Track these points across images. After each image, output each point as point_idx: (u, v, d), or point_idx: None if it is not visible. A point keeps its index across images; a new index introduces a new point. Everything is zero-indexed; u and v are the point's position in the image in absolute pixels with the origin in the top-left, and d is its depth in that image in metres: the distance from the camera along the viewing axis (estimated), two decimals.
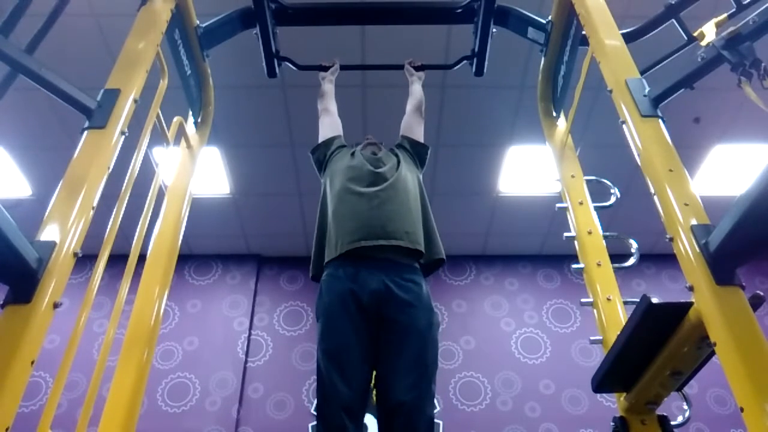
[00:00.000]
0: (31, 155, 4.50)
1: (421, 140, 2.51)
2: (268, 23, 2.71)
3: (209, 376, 4.87)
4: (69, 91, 1.78)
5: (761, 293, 1.36)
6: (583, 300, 2.21)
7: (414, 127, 2.54)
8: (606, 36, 2.08)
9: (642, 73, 1.98)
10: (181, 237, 2.43)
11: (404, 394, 1.77)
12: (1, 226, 1.20)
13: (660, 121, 1.77)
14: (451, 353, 5.11)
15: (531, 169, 4.82)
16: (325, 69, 2.83)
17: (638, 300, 1.54)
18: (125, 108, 1.84)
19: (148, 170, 2.27)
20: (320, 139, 2.51)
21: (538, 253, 5.67)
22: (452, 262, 5.57)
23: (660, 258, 5.16)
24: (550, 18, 2.68)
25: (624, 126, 1.83)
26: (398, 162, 2.28)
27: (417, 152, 2.45)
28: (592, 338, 2.11)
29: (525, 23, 2.78)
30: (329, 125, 2.55)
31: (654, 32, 2.46)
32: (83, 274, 4.84)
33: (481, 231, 5.48)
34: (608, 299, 2.10)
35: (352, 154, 2.33)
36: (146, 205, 2.09)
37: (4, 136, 4.33)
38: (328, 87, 2.72)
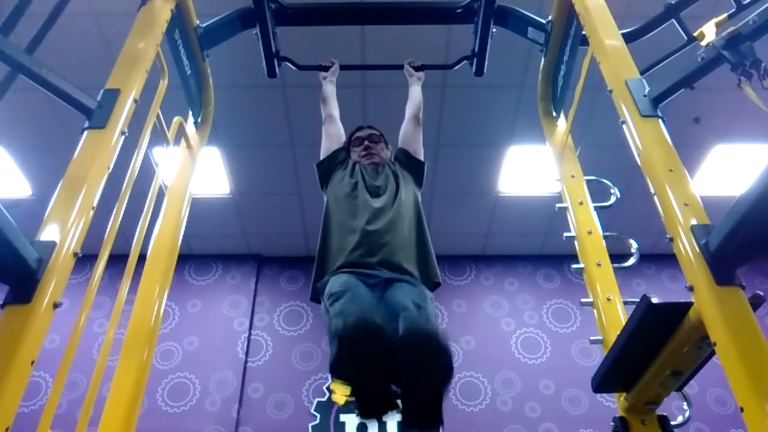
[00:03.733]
0: (31, 155, 4.50)
1: (420, 153, 2.50)
2: (268, 23, 2.71)
3: (209, 376, 4.87)
4: (69, 91, 1.78)
5: (761, 293, 1.36)
6: (583, 300, 2.21)
7: (412, 138, 2.53)
8: (606, 36, 2.09)
9: (642, 73, 1.98)
10: (181, 237, 2.43)
11: (408, 302, 1.79)
12: (1, 226, 1.20)
13: (660, 121, 1.77)
14: None
15: (531, 169, 4.82)
16: (325, 69, 2.83)
17: (638, 300, 1.54)
18: (125, 108, 1.84)
19: (148, 170, 2.27)
20: (323, 152, 2.50)
21: (538, 253, 5.67)
22: (452, 262, 5.58)
23: (660, 258, 5.16)
24: (550, 18, 2.68)
25: (624, 126, 1.83)
26: (397, 186, 2.29)
27: (415, 170, 2.46)
28: (592, 338, 2.11)
29: (525, 23, 2.78)
30: (332, 135, 2.54)
31: (654, 32, 2.47)
32: (83, 274, 4.84)
33: (481, 231, 5.48)
34: (608, 299, 2.10)
35: (353, 173, 2.34)
36: (146, 205, 2.09)
37: (4, 136, 4.33)
38: (330, 88, 2.72)
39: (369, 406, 1.65)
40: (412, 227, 2.21)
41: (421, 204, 2.35)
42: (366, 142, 2.49)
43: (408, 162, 2.47)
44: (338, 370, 1.66)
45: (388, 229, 2.11)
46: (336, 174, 2.39)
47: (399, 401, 1.64)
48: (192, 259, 5.51)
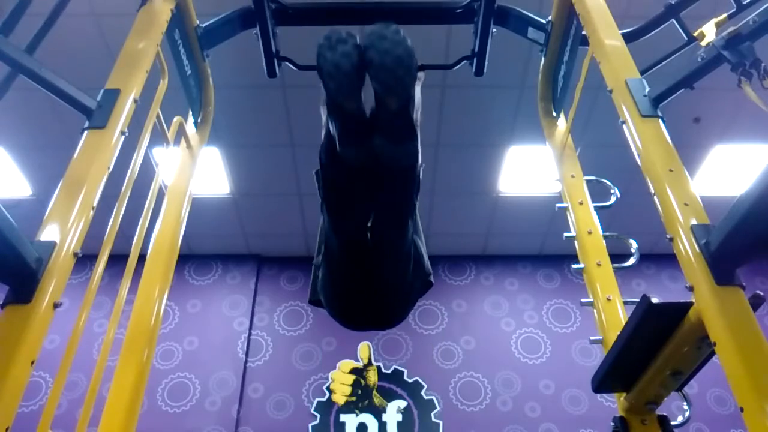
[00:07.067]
0: (31, 155, 4.50)
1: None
2: (268, 23, 2.70)
3: (209, 376, 4.87)
4: (69, 91, 1.78)
5: (761, 293, 1.36)
6: (583, 300, 2.20)
7: None
8: (606, 36, 2.08)
9: (642, 73, 1.98)
10: (181, 237, 2.42)
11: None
12: (1, 226, 1.20)
13: (660, 121, 1.77)
14: (451, 353, 5.11)
15: (531, 169, 4.82)
16: None
17: (638, 300, 1.54)
18: (125, 108, 1.83)
19: (148, 170, 2.27)
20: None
21: (538, 253, 5.67)
22: (452, 262, 5.58)
23: (660, 258, 5.16)
24: (550, 18, 2.67)
25: (624, 126, 1.83)
26: None
27: None
28: (592, 338, 2.11)
29: (525, 23, 2.78)
30: None
31: (654, 32, 2.46)
32: (83, 274, 4.84)
33: (481, 231, 5.47)
34: (608, 299, 2.10)
35: None
36: (146, 205, 2.09)
37: (4, 136, 4.33)
38: None
39: (347, 123, 1.59)
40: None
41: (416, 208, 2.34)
42: None
43: None
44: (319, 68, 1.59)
45: None
46: None
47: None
48: (192, 259, 5.51)
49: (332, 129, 1.64)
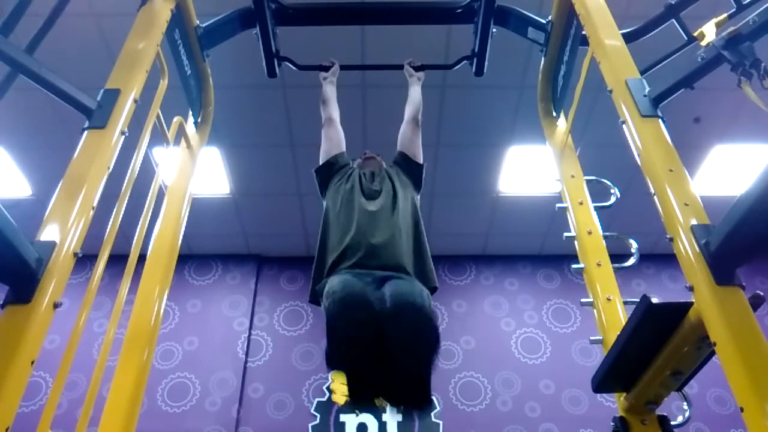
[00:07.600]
0: (31, 155, 4.50)
1: (419, 156, 2.49)
2: (268, 23, 2.71)
3: (209, 376, 4.87)
4: (69, 91, 1.78)
5: (761, 293, 1.36)
6: (583, 300, 2.21)
7: (411, 141, 2.52)
8: (606, 36, 2.09)
9: (642, 73, 1.98)
10: (181, 237, 2.43)
11: (399, 286, 1.81)
12: (1, 226, 1.20)
13: (660, 121, 1.77)
14: (451, 353, 5.11)
15: (531, 169, 4.82)
16: (325, 69, 2.83)
17: (638, 300, 1.54)
18: (125, 108, 1.84)
19: (148, 170, 2.27)
20: (322, 157, 2.49)
21: (538, 253, 5.67)
22: (452, 262, 5.57)
23: (660, 258, 5.16)
24: (550, 18, 2.68)
25: (624, 126, 1.83)
26: (394, 191, 2.28)
27: (414, 173, 2.45)
28: (592, 338, 2.11)
29: (525, 23, 2.78)
30: (332, 140, 2.52)
31: (654, 32, 2.47)
32: (83, 274, 4.84)
33: (481, 231, 5.47)
34: (608, 299, 2.10)
35: (350, 177, 2.34)
36: (146, 205, 2.09)
37: (4, 136, 4.33)
38: (330, 89, 2.70)
39: (359, 388, 1.65)
40: (410, 234, 2.21)
41: (419, 209, 2.34)
42: (366, 152, 2.54)
43: (407, 166, 2.46)
44: (330, 346, 1.68)
45: (384, 235, 2.11)
46: (334, 179, 2.39)
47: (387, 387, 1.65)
48: (192, 259, 5.51)
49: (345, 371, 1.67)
